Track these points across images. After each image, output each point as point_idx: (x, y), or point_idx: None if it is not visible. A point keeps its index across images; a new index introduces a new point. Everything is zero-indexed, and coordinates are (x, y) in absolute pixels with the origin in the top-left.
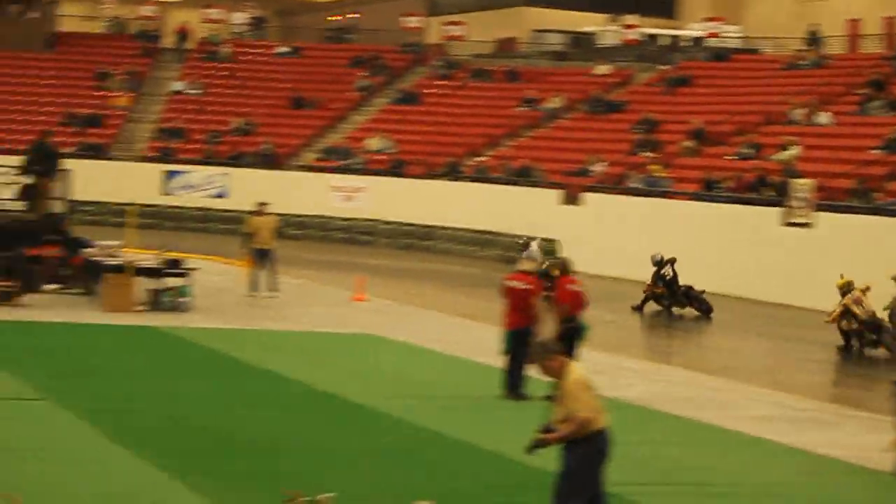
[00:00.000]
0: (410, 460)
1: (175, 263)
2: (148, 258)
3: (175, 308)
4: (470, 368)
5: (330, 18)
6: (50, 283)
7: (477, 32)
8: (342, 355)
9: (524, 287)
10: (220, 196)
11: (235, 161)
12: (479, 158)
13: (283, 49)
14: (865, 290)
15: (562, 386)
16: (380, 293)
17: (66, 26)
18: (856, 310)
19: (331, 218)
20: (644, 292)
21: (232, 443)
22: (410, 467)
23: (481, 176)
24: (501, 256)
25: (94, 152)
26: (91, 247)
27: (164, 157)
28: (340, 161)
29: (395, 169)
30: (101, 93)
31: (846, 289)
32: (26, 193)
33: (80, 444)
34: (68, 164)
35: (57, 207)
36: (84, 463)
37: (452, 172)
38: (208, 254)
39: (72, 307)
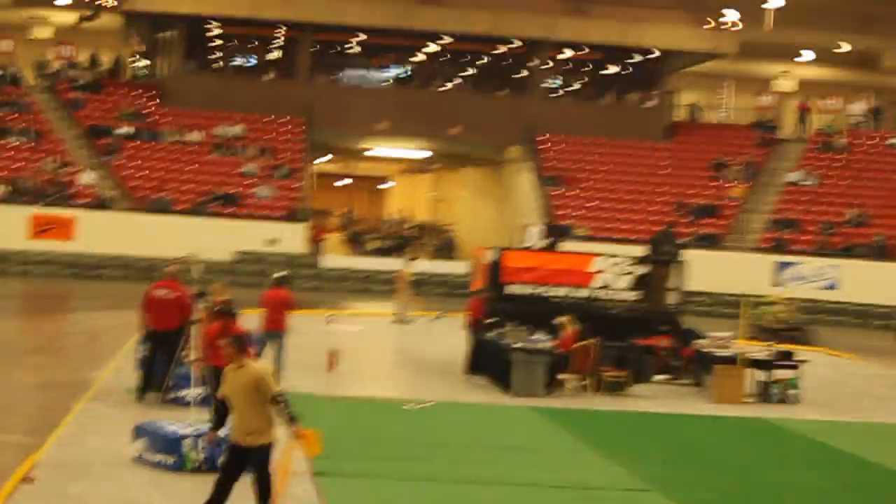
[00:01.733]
0: None
1: (786, 355)
2: (759, 349)
3: (784, 400)
4: None
5: None
6: (660, 373)
7: None
8: None
9: None
10: (829, 288)
11: (847, 252)
12: None
13: None
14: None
15: None
16: None
17: (683, 115)
18: None
19: None
20: None
21: None
22: None
23: None
24: None
25: (708, 242)
26: (702, 338)
27: (777, 247)
28: None
29: None
30: (717, 182)
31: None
32: (641, 283)
33: None
34: (684, 254)
35: (671, 298)
36: None
37: None
38: (818, 346)
39: (680, 398)
